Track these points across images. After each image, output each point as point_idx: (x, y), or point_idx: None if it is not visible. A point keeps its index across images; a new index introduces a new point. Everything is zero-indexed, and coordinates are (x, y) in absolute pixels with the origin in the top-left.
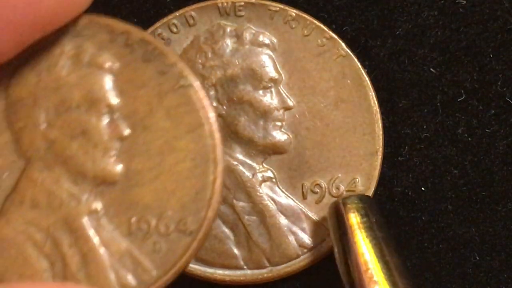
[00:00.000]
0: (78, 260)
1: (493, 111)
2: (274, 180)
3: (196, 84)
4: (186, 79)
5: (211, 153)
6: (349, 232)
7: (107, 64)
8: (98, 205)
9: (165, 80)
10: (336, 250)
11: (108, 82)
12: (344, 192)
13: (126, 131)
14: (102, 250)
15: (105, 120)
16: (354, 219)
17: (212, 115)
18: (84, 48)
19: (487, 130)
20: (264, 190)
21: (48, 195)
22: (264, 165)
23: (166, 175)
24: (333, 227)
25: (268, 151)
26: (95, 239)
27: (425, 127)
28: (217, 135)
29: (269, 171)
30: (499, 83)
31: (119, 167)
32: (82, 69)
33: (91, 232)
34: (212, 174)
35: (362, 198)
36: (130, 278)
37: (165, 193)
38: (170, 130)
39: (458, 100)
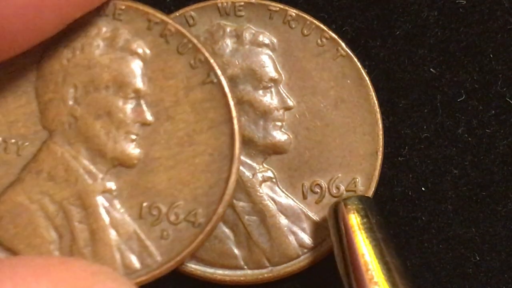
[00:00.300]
0: (87, 236)
1: (493, 111)
2: (274, 180)
3: (224, 82)
4: (215, 76)
5: (229, 151)
6: (350, 233)
7: (140, 51)
8: (112, 186)
9: (195, 74)
10: (336, 250)
11: (138, 68)
12: (344, 192)
13: (150, 118)
14: (111, 230)
15: (131, 104)
16: (354, 220)
17: (235, 114)
18: (120, 32)
19: (487, 130)
20: (264, 190)
21: (66, 169)
22: (264, 165)
23: (182, 165)
24: (334, 227)
25: (268, 151)
26: (106, 218)
27: (425, 127)
28: (237, 135)
29: (269, 171)
30: (499, 83)
31: (138, 152)
32: (115, 52)
33: (103, 211)
34: (227, 171)
35: (362, 199)
36: (135, 261)
37: (179, 183)
38: (193, 123)
39: (458, 100)
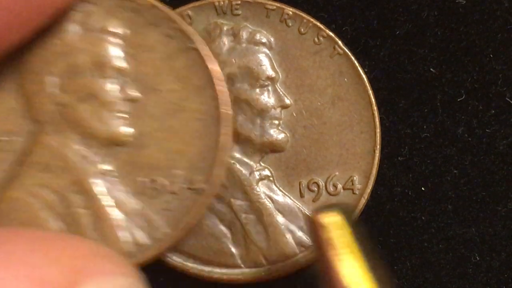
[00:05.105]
0: (91, 220)
1: (493, 111)
2: (271, 178)
3: (203, 47)
4: (193, 42)
5: (218, 113)
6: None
7: (115, 30)
8: (109, 166)
9: (173, 43)
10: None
11: (116, 46)
12: (342, 191)
13: (135, 94)
14: (114, 210)
15: (115, 83)
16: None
17: (218, 75)
18: (92, 14)
19: (487, 130)
20: (261, 189)
21: (60, 158)
22: (261, 163)
23: (175, 135)
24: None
25: (265, 149)
26: (108, 199)
27: (425, 127)
28: (224, 95)
29: (266, 170)
30: (499, 83)
31: (129, 129)
32: (90, 35)
33: (103, 193)
34: (219, 133)
35: (341, 209)
36: (143, 236)
37: (175, 152)
38: (178, 92)
39: (458, 100)
